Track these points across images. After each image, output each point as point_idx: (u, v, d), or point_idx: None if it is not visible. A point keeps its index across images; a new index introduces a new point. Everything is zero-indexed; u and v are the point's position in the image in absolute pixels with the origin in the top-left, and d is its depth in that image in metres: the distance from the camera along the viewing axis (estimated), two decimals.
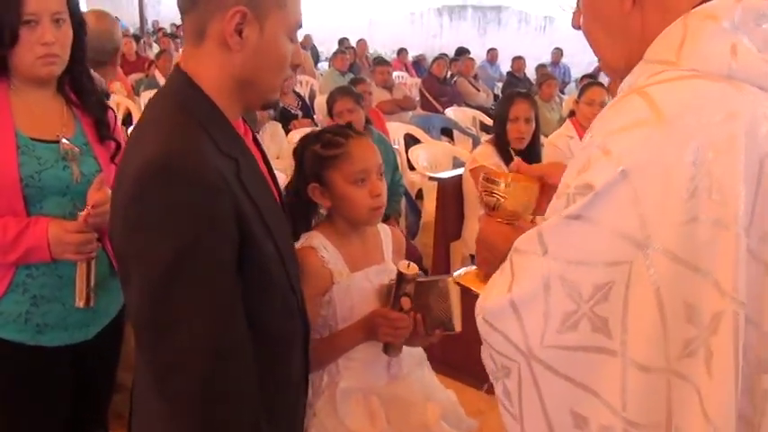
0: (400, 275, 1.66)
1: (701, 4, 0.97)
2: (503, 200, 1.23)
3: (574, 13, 1.13)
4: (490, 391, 1.11)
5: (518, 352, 0.98)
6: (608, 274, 0.90)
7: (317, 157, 1.68)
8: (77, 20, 1.73)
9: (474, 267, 1.31)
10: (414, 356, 1.82)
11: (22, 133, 1.66)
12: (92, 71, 2.60)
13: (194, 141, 1.16)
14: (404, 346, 1.73)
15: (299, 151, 1.74)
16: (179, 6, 1.24)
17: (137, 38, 10.56)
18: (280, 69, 1.28)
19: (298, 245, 1.69)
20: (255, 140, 1.41)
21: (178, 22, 11.24)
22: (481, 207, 1.28)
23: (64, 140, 1.70)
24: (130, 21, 15.61)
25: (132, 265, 1.15)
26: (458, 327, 1.70)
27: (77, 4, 1.73)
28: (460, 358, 2.39)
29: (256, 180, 1.26)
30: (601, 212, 0.90)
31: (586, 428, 0.94)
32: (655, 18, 1.00)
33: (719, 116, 0.89)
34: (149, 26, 16.40)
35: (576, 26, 1.13)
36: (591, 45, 1.10)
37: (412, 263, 1.69)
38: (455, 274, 1.38)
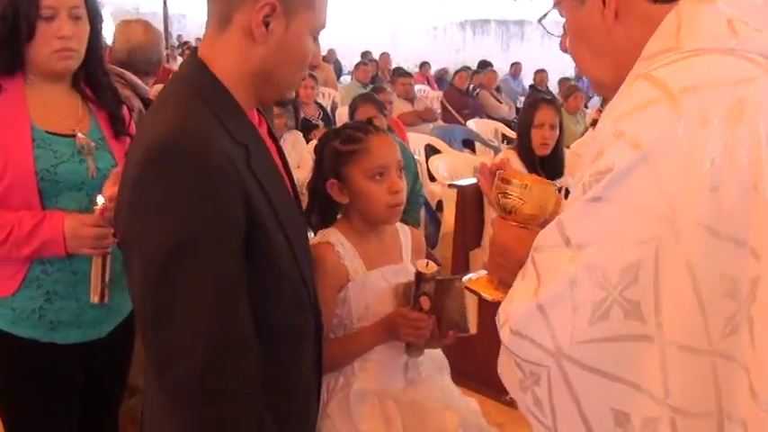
0: (419, 275, 1.62)
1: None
2: (520, 202, 1.19)
3: (561, 37, 1.14)
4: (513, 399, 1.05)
5: (547, 355, 0.92)
6: (634, 253, 0.86)
7: (336, 152, 1.66)
8: (95, 16, 1.72)
9: (485, 272, 1.27)
10: (434, 361, 1.77)
11: (38, 127, 1.65)
12: (137, 79, 2.65)
13: (202, 125, 1.14)
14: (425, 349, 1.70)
15: (319, 148, 1.72)
16: None
17: None
18: (299, 66, 1.27)
19: (314, 240, 1.67)
20: (270, 133, 1.39)
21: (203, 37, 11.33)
22: (495, 210, 1.24)
23: (80, 135, 1.70)
24: None
25: (134, 251, 1.13)
26: (472, 329, 1.66)
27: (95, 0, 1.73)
28: (478, 368, 2.34)
29: (268, 170, 1.24)
30: (621, 191, 0.88)
31: (629, 425, 0.89)
32: (638, 29, 1.00)
33: (729, 84, 0.89)
34: (174, 40, 16.60)
35: (564, 49, 1.14)
36: (579, 66, 1.12)
37: (431, 261, 1.66)
38: (465, 278, 1.35)
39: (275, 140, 1.41)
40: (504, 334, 0.99)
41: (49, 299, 1.69)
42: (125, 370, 1.97)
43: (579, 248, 0.90)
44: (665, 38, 0.97)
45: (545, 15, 1.15)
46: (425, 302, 1.62)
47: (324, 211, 1.73)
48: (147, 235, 1.10)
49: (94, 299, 1.66)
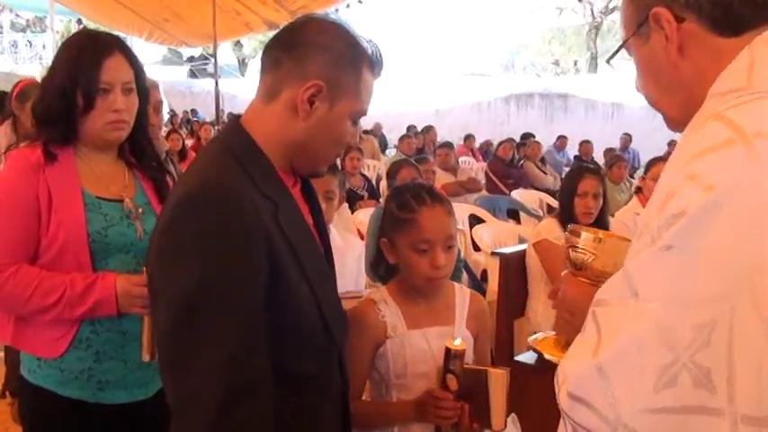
0: (447, 351, 1.59)
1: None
2: (591, 257, 1.14)
3: (636, 78, 1.10)
4: None
5: (605, 424, 0.84)
6: (709, 311, 0.79)
7: (392, 215, 1.69)
8: (142, 90, 1.83)
9: (552, 333, 1.21)
10: None
11: (88, 192, 1.75)
12: None
13: (230, 178, 1.20)
14: None
15: (387, 200, 1.78)
16: (261, 63, 1.32)
17: (213, 124, 11.13)
18: (335, 145, 1.35)
19: (360, 299, 1.71)
20: (306, 193, 1.43)
21: None
22: (565, 265, 1.19)
23: (127, 199, 1.79)
24: (207, 112, 16.43)
25: (160, 296, 1.18)
26: (495, 425, 1.57)
27: (144, 74, 1.84)
28: None
29: (296, 225, 1.29)
30: (696, 240, 0.81)
31: None
32: (707, 63, 0.97)
33: None
34: (225, 117, 17.18)
35: (636, 88, 1.11)
36: (650, 103, 1.09)
37: (463, 339, 1.63)
38: (531, 338, 1.29)
39: (311, 200, 1.45)
40: (562, 398, 0.90)
41: (98, 359, 1.73)
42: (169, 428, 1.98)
43: (647, 303, 0.83)
44: (736, 76, 0.92)
45: (614, 55, 1.12)
46: (452, 382, 1.57)
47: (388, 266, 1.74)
48: (171, 281, 1.15)
49: (146, 357, 1.68)
